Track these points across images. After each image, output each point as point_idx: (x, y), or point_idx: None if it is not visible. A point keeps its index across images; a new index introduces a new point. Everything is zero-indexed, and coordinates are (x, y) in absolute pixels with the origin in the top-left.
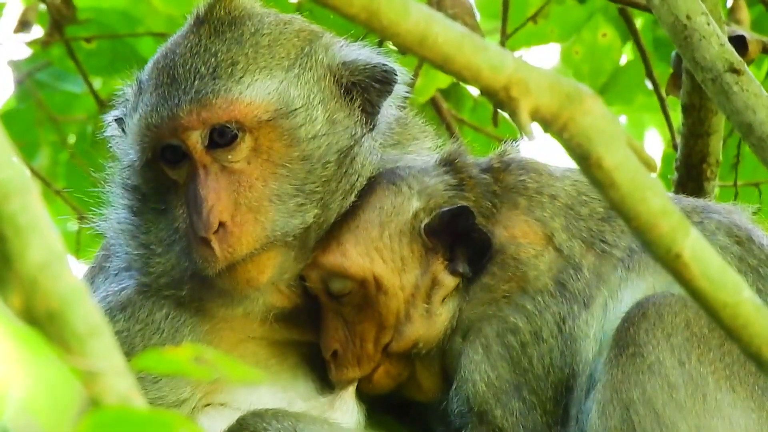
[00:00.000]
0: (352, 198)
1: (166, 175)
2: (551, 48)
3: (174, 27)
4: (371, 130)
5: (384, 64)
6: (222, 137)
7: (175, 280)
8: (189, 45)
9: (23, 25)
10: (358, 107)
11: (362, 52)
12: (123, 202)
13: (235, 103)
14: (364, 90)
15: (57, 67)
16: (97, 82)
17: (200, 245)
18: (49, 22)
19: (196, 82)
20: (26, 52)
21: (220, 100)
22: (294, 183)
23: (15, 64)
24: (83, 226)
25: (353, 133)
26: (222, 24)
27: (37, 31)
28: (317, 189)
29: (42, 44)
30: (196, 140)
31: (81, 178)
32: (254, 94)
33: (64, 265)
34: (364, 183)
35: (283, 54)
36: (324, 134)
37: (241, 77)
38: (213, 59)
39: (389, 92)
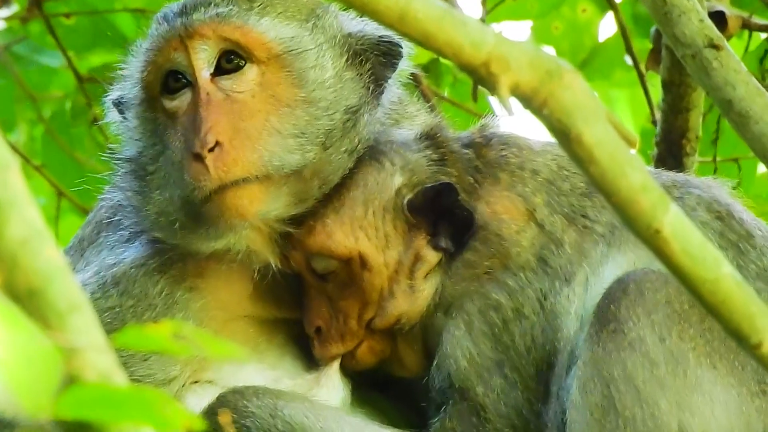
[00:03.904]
0: (351, 163)
1: (166, 112)
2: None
3: (153, 3)
4: (377, 101)
5: (390, 37)
6: (229, 63)
7: (170, 219)
8: None
9: (2, 1)
10: (366, 75)
11: (368, 25)
12: (127, 169)
13: (249, 28)
14: (371, 61)
15: (35, 43)
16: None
17: (193, 163)
18: None
19: (211, 5)
20: (4, 28)
21: (235, 20)
22: (296, 123)
23: None
24: (61, 201)
25: (361, 96)
26: None
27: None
28: (320, 134)
29: (21, 20)
30: (203, 63)
31: (57, 154)
32: (269, 26)
33: (44, 241)
34: (362, 150)
35: (296, 9)
36: (332, 85)
37: (259, 12)
38: None
39: (394, 66)
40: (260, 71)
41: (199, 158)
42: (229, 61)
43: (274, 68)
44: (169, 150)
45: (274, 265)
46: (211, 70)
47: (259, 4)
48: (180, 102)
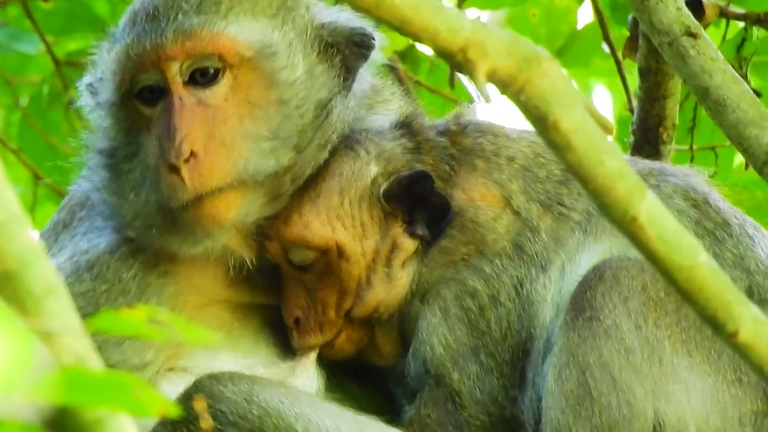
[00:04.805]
0: (326, 153)
1: (140, 113)
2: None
3: None
4: (348, 90)
5: (363, 28)
6: (203, 77)
7: (146, 222)
8: None
9: None
10: (337, 65)
11: (341, 15)
12: (98, 162)
13: (220, 37)
14: (342, 52)
15: (13, 27)
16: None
17: (169, 173)
18: None
19: (180, 16)
20: None
21: (204, 32)
22: (269, 126)
23: None
24: (38, 185)
25: (331, 88)
26: None
27: None
28: (293, 135)
29: None
30: (175, 73)
31: (34, 139)
32: (238, 30)
33: (20, 225)
34: (337, 141)
35: (266, 3)
36: (303, 82)
37: (226, 15)
38: None
39: (366, 57)
40: (232, 75)
41: (174, 169)
42: (203, 73)
43: (246, 71)
44: (144, 152)
45: (249, 261)
46: (185, 79)
47: (225, 5)
48: (154, 110)
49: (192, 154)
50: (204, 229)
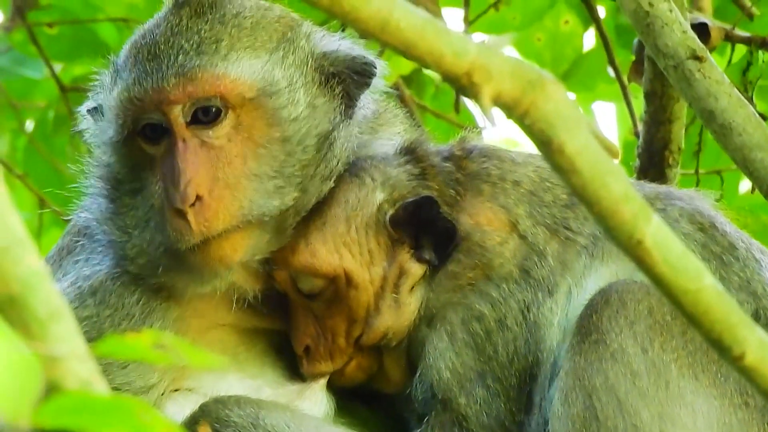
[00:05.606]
0: (331, 183)
1: (144, 151)
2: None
3: (134, 13)
4: (350, 118)
5: (364, 57)
6: (206, 115)
7: (151, 260)
8: (169, 25)
9: None
10: (338, 95)
11: (342, 44)
12: (100, 191)
13: (221, 78)
14: (344, 80)
15: (17, 52)
16: (57, 67)
17: (175, 217)
18: (11, 7)
19: (180, 57)
20: None
21: (206, 75)
22: (273, 164)
23: None
24: (43, 210)
25: (333, 118)
26: (202, 6)
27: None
28: (296, 173)
29: (4, 29)
30: (178, 114)
31: (40, 164)
32: (239, 70)
33: (25, 249)
34: (342, 170)
35: (266, 37)
36: (305, 117)
37: (226, 54)
38: (196, 36)
39: (368, 85)
40: (235, 115)
41: (180, 213)
42: (205, 112)
43: (248, 110)
44: (148, 191)
45: (254, 295)
46: (187, 119)
47: (225, 44)
48: (158, 149)
49: (197, 197)
50: (212, 270)
